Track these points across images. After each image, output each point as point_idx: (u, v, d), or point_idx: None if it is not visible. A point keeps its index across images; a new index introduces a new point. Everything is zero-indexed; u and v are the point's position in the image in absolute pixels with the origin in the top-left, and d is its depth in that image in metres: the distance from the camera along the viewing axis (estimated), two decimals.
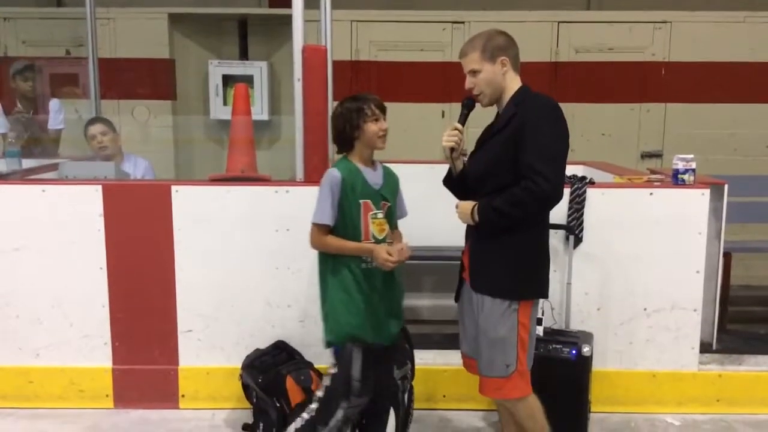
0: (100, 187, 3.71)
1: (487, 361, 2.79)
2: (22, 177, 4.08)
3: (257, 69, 6.48)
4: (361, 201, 2.93)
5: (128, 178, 4.39)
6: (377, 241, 2.95)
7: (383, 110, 2.97)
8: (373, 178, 2.99)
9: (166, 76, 6.48)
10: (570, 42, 6.33)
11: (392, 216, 3.05)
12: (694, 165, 3.76)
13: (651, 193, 3.74)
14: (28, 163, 4.39)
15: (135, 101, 6.42)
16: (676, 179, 3.77)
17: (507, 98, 2.78)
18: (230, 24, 6.68)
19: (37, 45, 6.43)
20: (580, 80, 6.32)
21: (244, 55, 6.67)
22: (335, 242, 2.94)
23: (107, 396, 3.84)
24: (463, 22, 6.17)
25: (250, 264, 3.74)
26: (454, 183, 2.94)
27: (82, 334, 3.80)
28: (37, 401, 3.83)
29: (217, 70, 6.51)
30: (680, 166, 3.76)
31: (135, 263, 3.75)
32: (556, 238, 3.74)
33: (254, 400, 3.51)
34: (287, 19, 3.68)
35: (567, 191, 3.71)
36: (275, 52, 6.62)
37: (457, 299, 3.03)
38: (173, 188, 3.73)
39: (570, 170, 4.18)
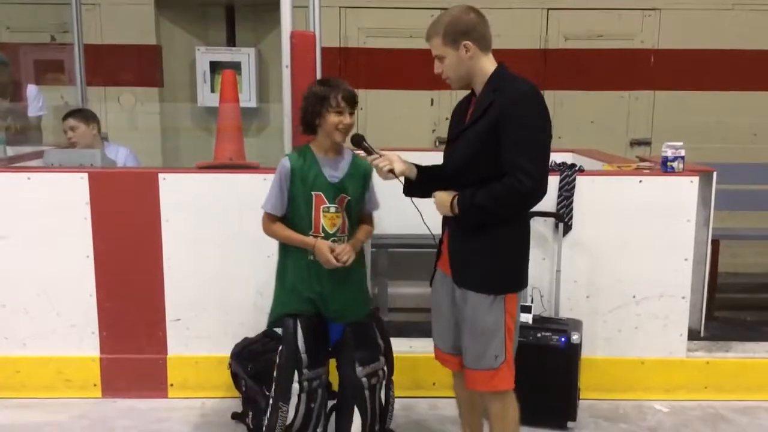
0: (86, 175, 3.67)
1: (475, 354, 2.71)
2: (7, 164, 4.03)
3: (245, 55, 6.43)
4: (312, 193, 2.87)
5: (115, 166, 4.35)
6: (327, 236, 2.88)
7: (352, 103, 2.84)
8: (332, 169, 2.91)
9: (152, 63, 6.43)
10: (559, 29, 6.32)
11: (352, 210, 2.96)
12: (683, 153, 3.76)
13: (640, 181, 3.74)
14: (12, 150, 4.35)
15: (121, 88, 6.37)
16: (665, 167, 3.77)
17: (481, 81, 2.64)
18: (217, 10, 6.62)
19: (22, 31, 6.35)
20: (570, 68, 6.31)
21: (231, 41, 6.62)
22: (281, 231, 2.93)
23: (95, 385, 3.82)
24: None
25: (238, 252, 3.71)
26: (417, 190, 2.81)
27: (69, 324, 3.77)
28: (24, 391, 3.80)
29: (204, 57, 6.45)
30: (669, 153, 3.76)
31: (122, 252, 3.72)
32: (545, 226, 3.75)
33: (243, 389, 3.49)
34: (275, 5, 3.65)
35: (556, 179, 3.71)
36: (263, 38, 6.58)
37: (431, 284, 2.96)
38: (161, 176, 3.70)
39: (559, 158, 4.22)
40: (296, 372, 2.90)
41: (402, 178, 2.78)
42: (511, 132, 2.49)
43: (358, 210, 3.01)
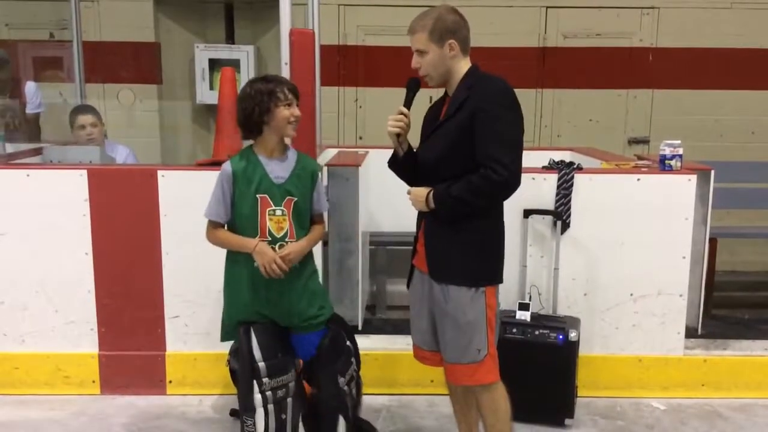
0: (85, 172, 3.68)
1: (458, 348, 2.72)
2: (6, 161, 4.03)
3: (244, 53, 6.42)
4: (258, 196, 2.79)
5: (114, 163, 4.35)
6: (274, 240, 2.80)
7: (296, 95, 2.81)
8: (278, 170, 2.82)
9: (151, 60, 6.42)
10: (558, 27, 6.31)
11: (300, 212, 2.87)
12: (681, 151, 3.77)
13: (638, 179, 3.75)
14: (11, 147, 4.34)
15: (120, 85, 6.36)
16: (663, 165, 3.78)
17: (456, 81, 2.70)
18: (216, 7, 6.62)
19: (20, 28, 6.34)
20: (568, 66, 6.31)
21: (230, 38, 6.61)
22: (223, 236, 2.85)
23: (94, 382, 3.82)
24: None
25: None
26: (400, 166, 2.84)
27: (67, 320, 3.78)
28: (22, 388, 3.81)
29: (203, 54, 6.44)
30: (667, 152, 3.77)
31: (121, 248, 3.72)
32: (543, 224, 3.75)
33: None
34: (274, 3, 3.65)
35: (555, 177, 3.71)
36: (262, 35, 6.57)
37: (408, 286, 2.95)
38: (159, 173, 3.70)
39: (557, 156, 4.22)
40: (255, 382, 2.81)
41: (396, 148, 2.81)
42: (485, 125, 2.55)
43: (306, 212, 2.91)
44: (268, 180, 2.81)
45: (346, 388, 2.98)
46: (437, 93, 2.87)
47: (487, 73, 2.69)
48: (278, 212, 2.82)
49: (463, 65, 2.71)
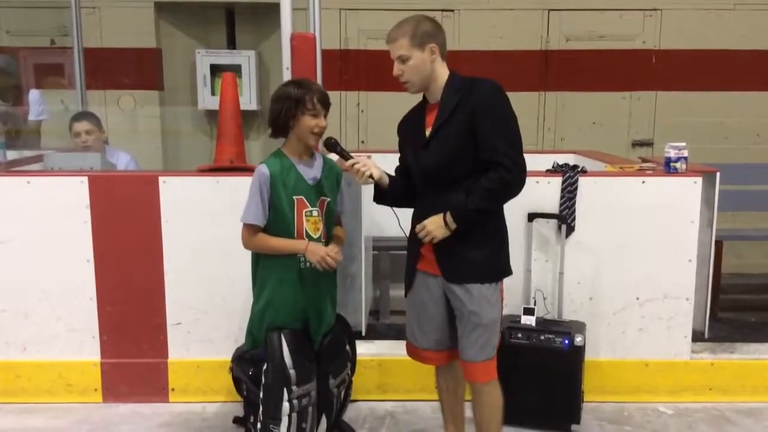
0: (86, 179, 3.66)
1: (479, 346, 2.74)
2: (7, 169, 4.02)
3: (245, 58, 6.44)
4: (294, 197, 2.82)
5: (115, 169, 4.33)
6: (311, 240, 2.84)
7: (326, 106, 2.83)
8: (309, 172, 2.87)
9: (152, 66, 6.43)
10: (560, 30, 6.31)
11: (331, 213, 2.94)
12: (686, 153, 3.74)
13: (643, 182, 3.72)
14: (12, 154, 4.33)
15: (121, 91, 6.36)
16: (668, 167, 3.75)
17: (437, 87, 2.73)
18: (217, 12, 6.63)
19: (21, 35, 6.36)
20: (571, 69, 6.30)
21: (231, 44, 6.63)
22: (267, 241, 2.84)
23: (96, 390, 3.80)
24: (452, 10, 6.13)
25: (239, 255, 3.67)
26: (388, 196, 2.89)
27: (69, 328, 3.75)
28: (24, 396, 3.78)
29: (204, 60, 6.45)
30: (672, 154, 3.74)
31: (123, 255, 3.70)
32: (547, 228, 3.73)
33: (245, 393, 3.46)
34: (275, 7, 3.65)
35: (559, 180, 3.69)
36: (263, 40, 6.57)
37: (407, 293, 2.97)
38: (161, 179, 3.68)
39: (561, 159, 4.20)
40: (285, 390, 2.81)
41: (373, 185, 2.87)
42: (491, 124, 2.60)
43: (334, 213, 2.97)
44: (303, 181, 2.84)
45: (335, 390, 3.01)
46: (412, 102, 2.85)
47: (471, 76, 2.74)
48: (314, 213, 2.85)
49: (444, 70, 2.75)
